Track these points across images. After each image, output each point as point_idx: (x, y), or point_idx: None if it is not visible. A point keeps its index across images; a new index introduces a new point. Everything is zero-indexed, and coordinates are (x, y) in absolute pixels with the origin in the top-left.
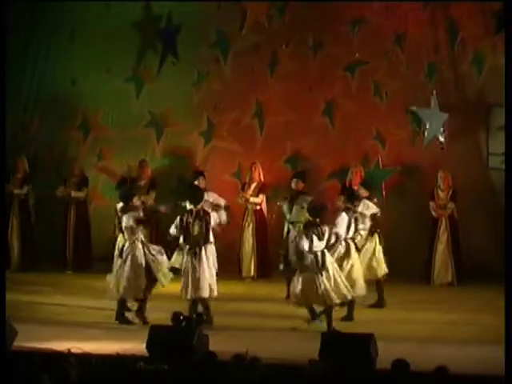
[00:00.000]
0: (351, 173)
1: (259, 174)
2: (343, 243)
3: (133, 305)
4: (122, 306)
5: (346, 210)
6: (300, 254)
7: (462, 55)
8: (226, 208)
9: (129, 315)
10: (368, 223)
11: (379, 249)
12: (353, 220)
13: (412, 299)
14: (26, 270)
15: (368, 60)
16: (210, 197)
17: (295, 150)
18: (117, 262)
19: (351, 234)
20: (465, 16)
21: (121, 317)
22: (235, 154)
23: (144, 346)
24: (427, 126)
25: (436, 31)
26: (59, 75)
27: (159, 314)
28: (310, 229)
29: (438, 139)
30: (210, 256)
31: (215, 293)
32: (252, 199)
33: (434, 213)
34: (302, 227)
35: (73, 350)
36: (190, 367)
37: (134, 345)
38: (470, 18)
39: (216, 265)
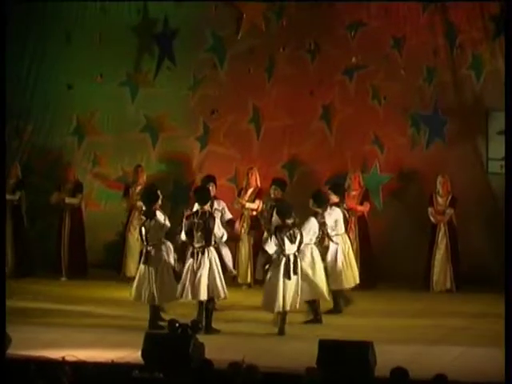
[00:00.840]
0: (349, 178)
1: (256, 180)
2: (309, 248)
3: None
4: (156, 312)
5: (315, 214)
6: (271, 257)
7: (460, 59)
8: (229, 222)
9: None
10: (340, 230)
11: (341, 258)
12: (317, 225)
13: (411, 306)
14: (19, 277)
15: (366, 64)
16: (220, 205)
17: (292, 156)
18: (143, 268)
19: (314, 239)
20: (463, 20)
21: (156, 324)
22: (232, 159)
23: (139, 353)
24: (426, 131)
25: (435, 35)
26: (54, 79)
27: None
28: (283, 231)
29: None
30: (212, 258)
31: (222, 295)
32: (248, 205)
33: (432, 219)
34: (272, 230)
35: (67, 358)
36: (186, 375)
37: (129, 352)
38: (469, 22)
39: (219, 267)
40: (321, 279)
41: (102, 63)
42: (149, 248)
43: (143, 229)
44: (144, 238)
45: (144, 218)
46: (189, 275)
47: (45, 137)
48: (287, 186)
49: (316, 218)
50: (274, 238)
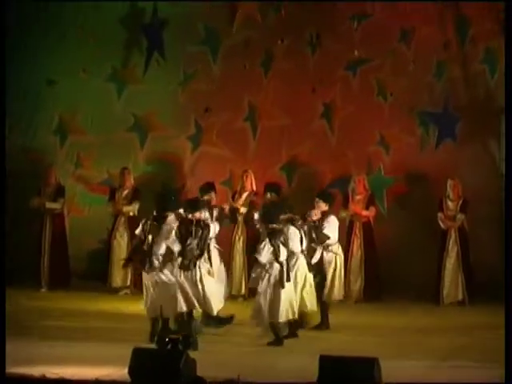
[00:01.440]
0: (354, 181)
1: (251, 183)
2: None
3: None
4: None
5: (292, 221)
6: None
7: (472, 53)
8: (221, 211)
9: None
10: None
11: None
12: (303, 233)
13: (419, 321)
14: None
15: (371, 58)
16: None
17: (291, 157)
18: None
19: (301, 248)
20: (476, 11)
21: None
22: (226, 161)
23: (126, 370)
24: (435, 130)
25: (445, 27)
26: (33, 74)
27: None
28: (277, 236)
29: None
30: (203, 270)
31: (214, 308)
32: (243, 210)
33: (442, 224)
34: (265, 236)
35: (48, 375)
36: None
37: (115, 370)
38: (481, 13)
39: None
40: (311, 291)
41: (86, 57)
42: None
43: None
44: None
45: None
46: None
47: (24, 136)
48: (282, 189)
49: (295, 226)
50: (268, 245)
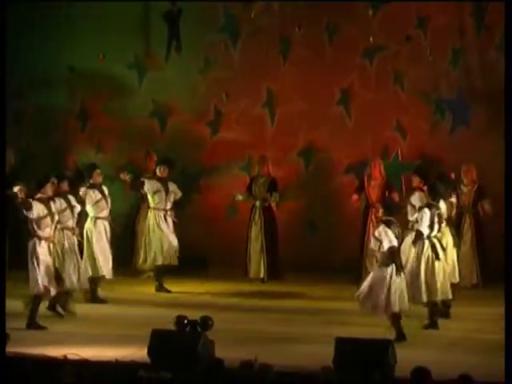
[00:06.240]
0: (370, 166)
1: (268, 168)
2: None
3: None
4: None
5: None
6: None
7: (488, 40)
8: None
9: None
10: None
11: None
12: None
13: None
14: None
15: (388, 45)
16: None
17: (308, 142)
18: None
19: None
20: None
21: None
22: (244, 146)
23: (145, 351)
24: (451, 117)
25: (461, 14)
26: (55, 61)
27: None
28: (392, 226)
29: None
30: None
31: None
32: (259, 195)
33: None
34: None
35: (69, 357)
36: (195, 375)
37: (135, 350)
38: (496, 1)
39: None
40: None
41: (109, 45)
42: None
43: None
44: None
45: None
46: None
47: (45, 122)
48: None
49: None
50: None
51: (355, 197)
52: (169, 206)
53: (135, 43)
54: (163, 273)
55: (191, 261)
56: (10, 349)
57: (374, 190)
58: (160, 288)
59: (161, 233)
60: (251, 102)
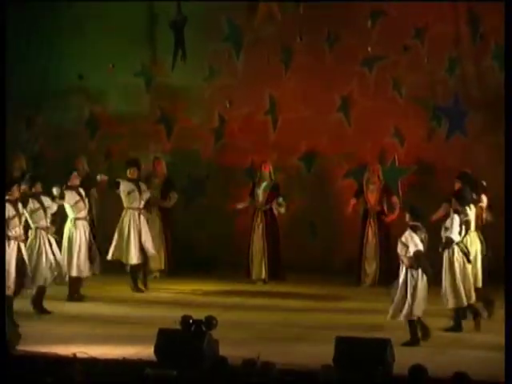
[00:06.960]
0: (368, 171)
1: (270, 173)
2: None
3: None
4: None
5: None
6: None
7: (483, 49)
8: None
9: None
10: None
11: None
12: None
13: (431, 301)
14: None
15: (386, 54)
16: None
17: (310, 148)
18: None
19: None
20: (486, 8)
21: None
22: (247, 152)
23: (152, 350)
24: (447, 124)
25: (457, 24)
26: (65, 70)
27: None
28: (418, 231)
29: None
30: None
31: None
32: (261, 198)
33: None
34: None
35: (78, 355)
36: (199, 373)
37: (141, 349)
38: (492, 10)
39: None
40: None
41: (116, 53)
42: None
43: None
44: None
45: None
46: None
47: (57, 128)
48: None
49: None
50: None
51: (353, 201)
52: (142, 205)
53: (142, 52)
54: (137, 272)
55: (196, 262)
56: (20, 347)
57: (372, 194)
58: (135, 287)
59: (134, 232)
60: (254, 109)
